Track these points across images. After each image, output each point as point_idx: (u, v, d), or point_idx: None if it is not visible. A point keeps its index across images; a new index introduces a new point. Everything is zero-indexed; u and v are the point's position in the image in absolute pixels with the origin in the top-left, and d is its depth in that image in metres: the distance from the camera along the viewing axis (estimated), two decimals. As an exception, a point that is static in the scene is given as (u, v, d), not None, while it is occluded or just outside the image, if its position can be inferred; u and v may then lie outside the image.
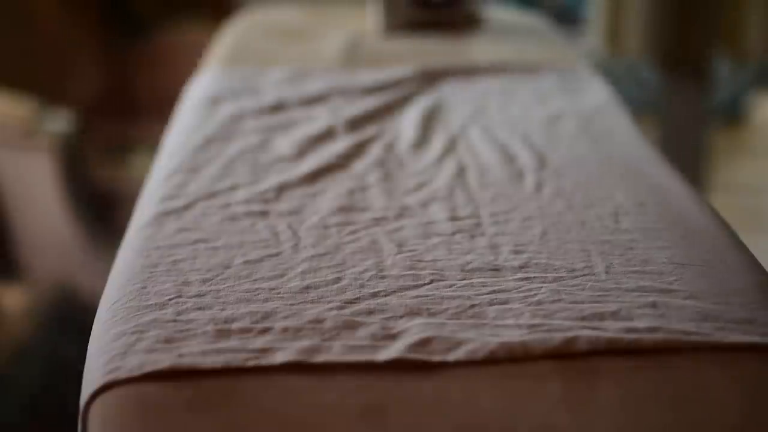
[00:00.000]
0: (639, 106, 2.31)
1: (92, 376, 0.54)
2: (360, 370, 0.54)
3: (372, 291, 0.62)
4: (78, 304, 1.75)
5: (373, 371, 0.54)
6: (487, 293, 0.61)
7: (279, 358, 0.54)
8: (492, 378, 0.53)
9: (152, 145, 1.21)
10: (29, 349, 1.62)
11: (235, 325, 0.57)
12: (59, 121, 1.71)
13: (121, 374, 0.53)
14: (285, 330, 0.57)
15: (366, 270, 0.64)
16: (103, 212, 1.84)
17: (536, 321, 0.58)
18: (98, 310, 0.62)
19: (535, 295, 0.61)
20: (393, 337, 0.56)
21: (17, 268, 1.80)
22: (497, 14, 1.45)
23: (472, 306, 0.60)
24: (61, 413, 1.66)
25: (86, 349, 0.58)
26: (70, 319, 1.74)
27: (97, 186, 1.89)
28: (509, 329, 0.57)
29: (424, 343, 0.55)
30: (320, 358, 0.54)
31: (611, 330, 0.57)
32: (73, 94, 2.19)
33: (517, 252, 0.67)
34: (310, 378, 0.53)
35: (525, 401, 0.52)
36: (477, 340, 0.56)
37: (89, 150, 1.97)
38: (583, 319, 0.58)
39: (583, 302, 0.60)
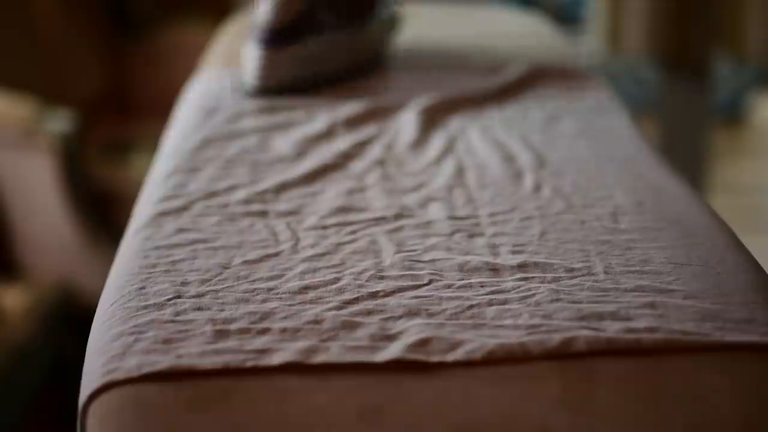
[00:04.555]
0: (639, 106, 2.31)
1: (91, 377, 0.54)
2: (358, 370, 0.54)
3: (371, 291, 0.62)
4: (78, 304, 1.75)
5: (372, 372, 0.54)
6: (486, 294, 0.61)
7: (277, 358, 0.54)
8: (491, 378, 0.53)
9: (152, 144, 1.21)
10: (29, 349, 1.62)
11: (233, 326, 0.57)
12: (59, 121, 1.71)
13: (120, 375, 0.53)
14: (283, 330, 0.57)
15: (365, 270, 0.64)
16: (103, 212, 1.84)
17: (535, 321, 0.58)
18: (97, 311, 0.62)
19: (534, 295, 0.61)
20: (391, 337, 0.56)
21: (17, 268, 1.80)
22: (497, 14, 1.45)
23: (471, 306, 0.60)
24: (61, 413, 1.66)
25: (86, 350, 0.58)
26: (70, 319, 1.74)
27: (97, 186, 1.89)
28: (508, 330, 0.57)
29: (422, 344, 0.55)
30: (318, 358, 0.54)
31: (610, 330, 0.57)
32: (73, 94, 2.19)
33: (515, 252, 0.67)
34: (309, 378, 0.53)
35: (523, 402, 0.52)
36: (475, 341, 0.56)
37: (89, 150, 1.97)
38: (582, 319, 0.58)
39: (581, 302, 0.60)
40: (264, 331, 0.56)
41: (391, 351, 0.55)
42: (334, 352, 0.55)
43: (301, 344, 0.55)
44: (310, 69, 1.02)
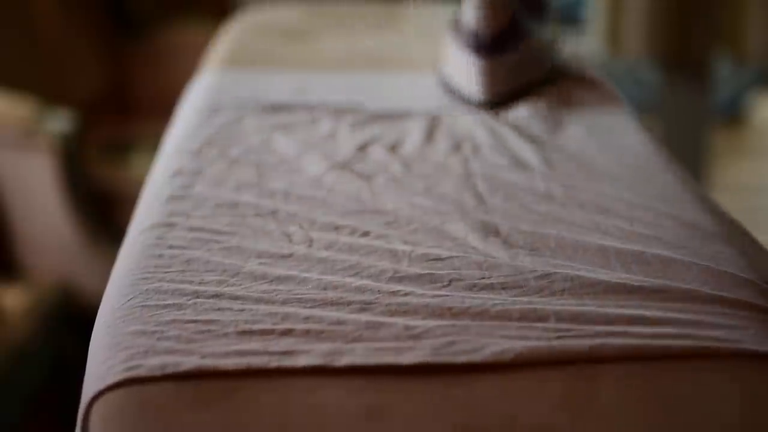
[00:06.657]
0: (639, 107, 2.31)
1: (94, 377, 0.54)
2: (362, 370, 0.53)
3: (390, 291, 0.61)
4: (78, 304, 1.75)
5: (376, 371, 0.53)
6: (509, 296, 0.61)
7: (302, 361, 0.53)
8: (493, 379, 0.53)
9: (152, 144, 1.21)
10: (29, 349, 1.62)
11: (255, 327, 0.56)
12: (59, 121, 1.71)
13: (125, 375, 0.52)
14: (307, 332, 0.56)
15: (383, 271, 0.63)
16: (103, 212, 1.84)
17: (562, 325, 0.57)
18: (103, 311, 0.61)
19: (557, 297, 0.60)
20: (415, 337, 0.56)
21: (17, 268, 1.80)
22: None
23: (494, 306, 0.59)
24: (61, 413, 1.66)
25: (87, 349, 0.58)
26: (70, 319, 1.73)
27: (97, 186, 1.89)
28: (537, 331, 0.56)
29: (447, 345, 0.55)
30: (344, 360, 0.53)
31: (638, 335, 0.56)
32: (73, 94, 2.18)
33: (533, 255, 0.66)
34: (312, 377, 0.53)
35: (525, 402, 0.52)
36: (502, 344, 0.55)
37: (89, 150, 1.97)
38: (610, 323, 0.57)
39: (607, 307, 0.59)
40: (287, 333, 0.56)
41: (417, 353, 0.54)
42: (359, 354, 0.54)
43: (325, 346, 0.54)
44: (525, 75, 1.02)
